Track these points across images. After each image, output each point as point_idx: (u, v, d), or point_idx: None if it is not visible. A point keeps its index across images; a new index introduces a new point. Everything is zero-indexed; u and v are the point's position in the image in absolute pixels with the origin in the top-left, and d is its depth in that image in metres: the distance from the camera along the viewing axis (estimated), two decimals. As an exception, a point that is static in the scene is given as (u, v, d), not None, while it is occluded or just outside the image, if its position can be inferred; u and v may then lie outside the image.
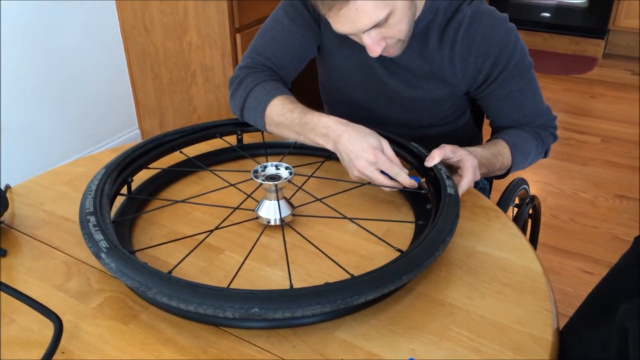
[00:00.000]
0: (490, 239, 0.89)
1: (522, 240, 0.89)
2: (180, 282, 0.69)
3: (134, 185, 0.99)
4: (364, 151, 0.88)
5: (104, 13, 2.42)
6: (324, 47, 1.16)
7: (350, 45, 1.09)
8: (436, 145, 0.96)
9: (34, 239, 0.89)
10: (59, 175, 1.07)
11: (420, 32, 1.04)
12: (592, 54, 3.80)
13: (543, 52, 3.88)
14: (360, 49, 1.05)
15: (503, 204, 1.23)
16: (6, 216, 0.93)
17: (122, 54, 2.56)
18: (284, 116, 0.99)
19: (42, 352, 0.66)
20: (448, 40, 1.03)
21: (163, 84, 2.51)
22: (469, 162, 0.94)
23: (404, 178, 0.90)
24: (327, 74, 1.22)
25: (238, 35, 2.28)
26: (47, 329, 0.70)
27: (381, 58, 1.06)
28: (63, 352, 0.68)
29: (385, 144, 0.91)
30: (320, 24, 1.12)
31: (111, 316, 0.74)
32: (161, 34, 2.41)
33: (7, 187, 1.01)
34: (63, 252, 0.86)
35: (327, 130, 0.93)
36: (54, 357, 0.66)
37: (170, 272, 0.74)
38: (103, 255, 0.73)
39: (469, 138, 1.32)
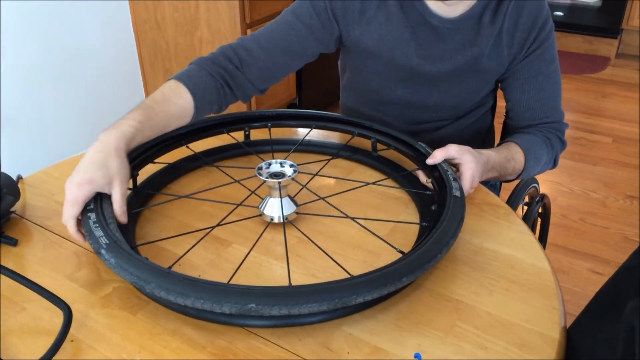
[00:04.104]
0: (498, 237, 0.89)
1: (531, 238, 0.89)
2: (179, 276, 0.69)
3: (139, 180, 0.99)
4: (70, 182, 0.80)
5: (116, 8, 2.44)
6: (358, 57, 1.16)
7: (390, 49, 1.10)
8: (452, 140, 0.96)
9: (45, 229, 0.90)
10: (70, 167, 1.06)
11: (477, 12, 1.07)
12: (605, 54, 3.77)
13: (555, 51, 3.85)
14: (400, 46, 1.08)
15: (513, 201, 1.23)
16: (18, 206, 0.94)
17: (134, 48, 2.57)
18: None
19: (51, 340, 0.67)
20: (500, 16, 1.06)
21: (174, 78, 2.52)
22: (468, 172, 0.93)
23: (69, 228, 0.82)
24: (363, 80, 1.20)
25: (249, 31, 2.29)
26: (57, 318, 0.71)
27: (427, 53, 1.09)
28: (72, 341, 0.69)
29: (117, 188, 0.82)
30: (341, 32, 1.12)
31: (120, 306, 0.75)
32: (172, 29, 2.42)
33: (19, 177, 1.02)
34: (73, 242, 0.87)
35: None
36: (63, 345, 0.67)
37: (170, 267, 0.74)
38: (103, 251, 0.73)
39: (484, 135, 1.32)
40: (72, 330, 0.69)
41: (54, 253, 0.85)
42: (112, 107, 2.53)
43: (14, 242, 0.86)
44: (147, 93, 2.66)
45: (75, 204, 0.79)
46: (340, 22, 1.10)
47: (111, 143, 0.83)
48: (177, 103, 0.95)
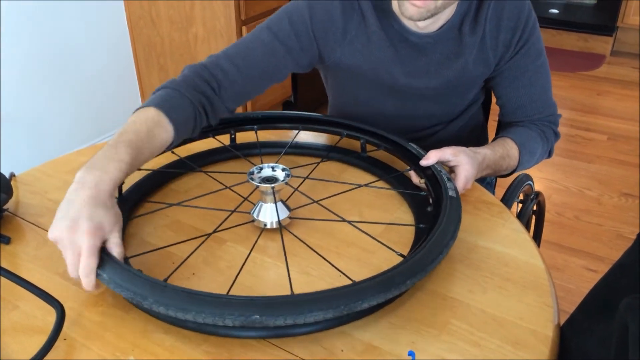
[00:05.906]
0: (492, 234, 0.89)
1: (525, 236, 0.89)
2: (177, 290, 0.67)
3: (125, 187, 0.95)
4: (78, 231, 0.71)
5: (110, 5, 2.43)
6: (342, 76, 1.15)
7: (374, 68, 1.09)
8: (446, 143, 0.95)
9: (38, 227, 0.90)
10: (63, 164, 1.07)
11: (457, 23, 1.05)
12: (600, 51, 3.78)
13: (551, 48, 3.86)
14: (384, 64, 1.06)
15: (507, 199, 1.23)
16: (10, 204, 0.94)
17: (129, 45, 2.56)
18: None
19: (44, 338, 0.67)
20: (481, 22, 1.05)
21: (169, 75, 2.52)
22: (463, 173, 0.93)
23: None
24: (350, 94, 1.20)
25: (244, 28, 2.28)
26: (50, 316, 0.70)
27: (411, 69, 1.08)
28: (65, 339, 0.69)
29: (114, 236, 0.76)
30: (321, 54, 1.09)
31: (113, 304, 0.74)
32: (167, 26, 2.41)
33: (12, 175, 1.01)
34: (66, 241, 0.86)
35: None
36: (56, 344, 0.67)
37: (166, 279, 0.73)
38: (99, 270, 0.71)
39: (478, 133, 1.32)
40: (65, 328, 0.69)
41: (47, 251, 0.84)
42: (106, 104, 2.53)
43: (6, 240, 0.85)
44: (142, 90, 2.65)
45: (93, 254, 0.71)
46: (320, 44, 1.07)
47: (105, 190, 0.76)
48: (161, 139, 0.89)
